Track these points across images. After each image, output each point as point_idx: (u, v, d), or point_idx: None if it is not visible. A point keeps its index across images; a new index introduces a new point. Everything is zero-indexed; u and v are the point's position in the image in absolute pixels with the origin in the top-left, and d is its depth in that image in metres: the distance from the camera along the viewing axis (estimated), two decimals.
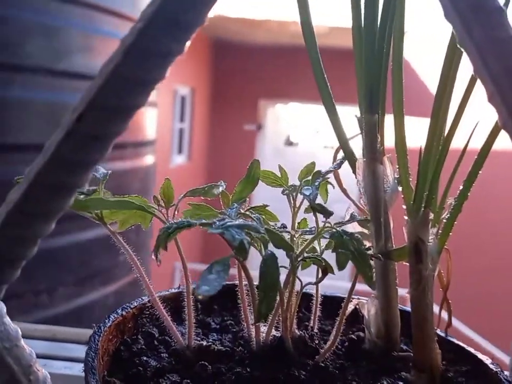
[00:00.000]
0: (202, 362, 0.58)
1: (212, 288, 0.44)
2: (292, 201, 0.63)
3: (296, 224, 0.65)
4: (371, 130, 0.57)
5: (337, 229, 0.55)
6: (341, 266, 0.53)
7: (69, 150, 0.40)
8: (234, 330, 0.68)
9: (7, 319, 0.45)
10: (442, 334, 0.68)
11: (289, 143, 9.38)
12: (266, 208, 0.65)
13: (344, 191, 0.66)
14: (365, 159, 0.58)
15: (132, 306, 0.64)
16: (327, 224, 0.56)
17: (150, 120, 2.92)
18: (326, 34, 6.59)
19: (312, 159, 0.67)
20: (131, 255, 0.62)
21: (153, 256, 0.54)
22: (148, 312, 0.66)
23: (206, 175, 7.90)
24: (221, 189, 0.63)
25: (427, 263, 0.59)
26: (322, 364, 0.60)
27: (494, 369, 0.59)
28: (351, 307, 0.67)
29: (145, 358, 0.59)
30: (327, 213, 0.55)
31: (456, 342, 0.66)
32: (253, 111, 8.17)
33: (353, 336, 0.67)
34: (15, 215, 0.41)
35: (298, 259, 0.58)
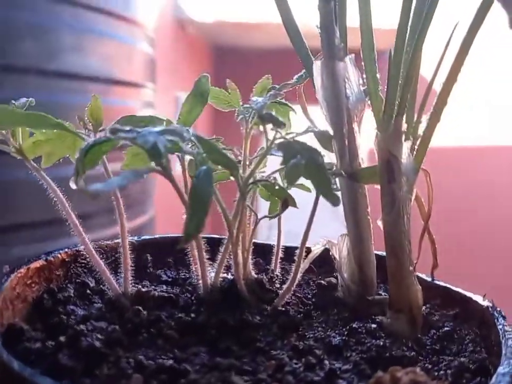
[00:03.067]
0: (136, 307, 0.48)
1: (105, 187, 0.35)
2: (245, 124, 0.54)
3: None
4: (327, 21, 0.48)
5: (287, 137, 0.46)
6: (291, 181, 0.44)
7: None
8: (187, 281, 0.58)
9: None
10: (428, 278, 0.58)
11: None
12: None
13: (309, 118, 0.57)
14: (322, 58, 0.49)
15: (61, 252, 0.55)
16: (278, 136, 0.47)
17: None
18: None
19: None
20: (59, 197, 0.53)
21: (72, 183, 0.45)
22: (85, 261, 0.57)
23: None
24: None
25: (401, 182, 0.49)
26: (283, 309, 0.51)
27: (486, 307, 0.49)
28: (319, 248, 0.58)
29: (72, 307, 0.50)
30: (278, 122, 0.46)
31: (444, 284, 0.57)
32: None
33: (323, 282, 0.58)
34: None
35: (248, 183, 0.49)
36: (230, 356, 0.43)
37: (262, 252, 0.65)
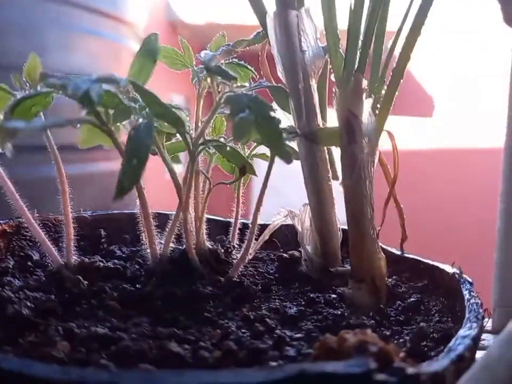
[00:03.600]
0: (76, 277, 0.45)
1: (27, 124, 0.32)
2: (198, 84, 0.50)
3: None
4: None
5: (236, 90, 0.42)
6: (239, 136, 0.40)
7: None
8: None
9: None
10: (397, 252, 0.55)
11: None
12: None
13: (269, 79, 0.54)
14: (275, 9, 0.45)
15: (1, 222, 0.51)
16: (226, 90, 0.44)
17: None
18: None
19: None
20: None
21: None
22: (29, 234, 0.53)
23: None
24: None
25: (362, 143, 0.46)
26: (238, 280, 0.48)
27: (453, 273, 0.46)
28: (280, 219, 0.54)
29: (9, 278, 0.46)
30: (227, 75, 0.43)
31: (412, 256, 0.53)
32: None
33: (285, 255, 0.54)
34: None
35: (198, 143, 0.46)
36: (174, 327, 0.40)
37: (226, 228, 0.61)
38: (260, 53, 0.56)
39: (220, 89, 0.45)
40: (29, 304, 0.40)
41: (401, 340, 0.39)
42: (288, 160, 0.41)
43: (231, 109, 0.41)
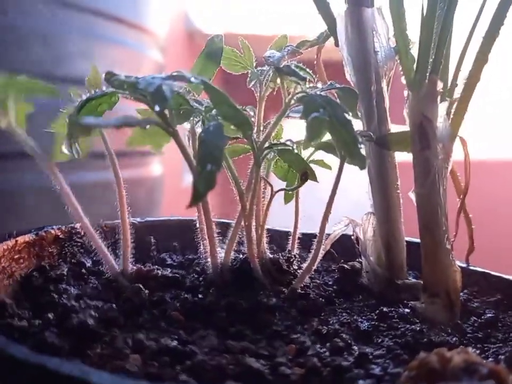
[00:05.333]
0: (137, 285, 0.43)
1: (99, 121, 0.30)
2: (259, 87, 0.48)
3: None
4: None
5: (308, 91, 0.40)
6: (312, 137, 0.38)
7: None
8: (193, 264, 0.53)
9: None
10: (463, 265, 0.52)
11: None
12: None
13: (321, 74, 0.52)
14: (347, 7, 0.43)
15: (54, 228, 0.49)
16: (298, 90, 0.42)
17: None
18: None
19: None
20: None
21: (64, 148, 0.40)
22: (81, 241, 0.52)
23: (220, 191, 7.75)
24: None
25: (436, 149, 0.44)
26: (302, 292, 0.45)
27: None
28: (341, 228, 0.52)
29: (64, 286, 0.44)
30: (299, 76, 0.41)
31: (481, 270, 0.51)
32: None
33: (346, 266, 0.52)
34: None
35: (263, 146, 0.44)
36: (243, 340, 0.38)
37: (276, 238, 0.59)
38: (316, 56, 0.54)
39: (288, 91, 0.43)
40: (92, 313, 0.37)
41: (490, 359, 0.37)
42: (362, 166, 0.39)
43: (304, 109, 0.39)
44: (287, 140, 0.46)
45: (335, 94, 0.45)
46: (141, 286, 0.43)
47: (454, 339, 0.39)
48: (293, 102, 0.41)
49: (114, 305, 0.40)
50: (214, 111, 0.41)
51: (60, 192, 0.46)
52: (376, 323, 0.41)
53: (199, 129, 0.47)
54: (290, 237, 0.53)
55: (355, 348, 0.37)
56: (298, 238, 0.55)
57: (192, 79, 0.36)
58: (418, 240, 0.55)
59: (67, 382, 0.25)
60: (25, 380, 0.27)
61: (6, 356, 0.27)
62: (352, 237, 0.57)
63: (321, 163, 0.53)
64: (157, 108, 0.35)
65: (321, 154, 0.54)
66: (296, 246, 0.52)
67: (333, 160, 0.52)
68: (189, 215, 0.59)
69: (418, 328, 0.40)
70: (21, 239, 0.45)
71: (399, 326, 0.41)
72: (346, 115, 0.39)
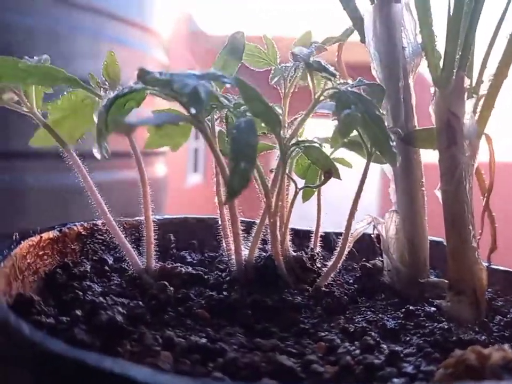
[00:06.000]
0: (162, 282, 0.43)
1: (140, 121, 0.30)
2: (283, 83, 0.48)
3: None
4: None
5: (340, 87, 0.40)
6: (344, 133, 0.38)
7: None
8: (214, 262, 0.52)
9: None
10: (485, 263, 0.52)
11: None
12: None
13: (343, 71, 0.51)
14: (376, 2, 0.43)
15: (77, 224, 0.49)
16: (327, 87, 0.41)
17: None
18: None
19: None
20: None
21: (94, 149, 0.40)
22: (103, 238, 0.52)
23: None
24: None
25: (463, 146, 0.43)
26: (326, 289, 0.45)
27: None
28: (363, 226, 0.52)
29: (88, 283, 0.44)
30: (329, 71, 0.40)
31: (504, 268, 0.50)
32: None
33: (368, 265, 0.52)
34: None
35: (290, 143, 0.44)
36: (271, 337, 0.37)
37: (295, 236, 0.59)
38: (337, 53, 0.53)
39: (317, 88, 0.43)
40: (120, 310, 0.37)
41: None
42: (394, 163, 0.39)
43: (336, 105, 0.39)
44: (314, 137, 0.45)
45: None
46: (167, 283, 0.42)
47: (483, 337, 0.38)
48: (322, 98, 0.41)
49: (140, 302, 0.40)
50: (242, 108, 0.41)
51: (85, 188, 0.46)
52: (403, 321, 0.41)
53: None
54: (312, 235, 0.53)
55: (384, 346, 0.36)
56: (307, 236, 0.55)
57: (227, 79, 0.35)
58: (437, 239, 0.55)
59: (107, 378, 0.25)
60: (62, 375, 0.27)
61: (44, 351, 0.27)
62: (372, 235, 0.57)
63: (342, 161, 0.53)
64: (193, 111, 0.34)
65: (341, 152, 0.54)
66: (318, 244, 0.52)
67: (352, 158, 0.52)
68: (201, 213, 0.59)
69: (446, 327, 0.39)
70: (45, 235, 0.44)
71: (426, 325, 0.40)
72: (377, 112, 0.39)
